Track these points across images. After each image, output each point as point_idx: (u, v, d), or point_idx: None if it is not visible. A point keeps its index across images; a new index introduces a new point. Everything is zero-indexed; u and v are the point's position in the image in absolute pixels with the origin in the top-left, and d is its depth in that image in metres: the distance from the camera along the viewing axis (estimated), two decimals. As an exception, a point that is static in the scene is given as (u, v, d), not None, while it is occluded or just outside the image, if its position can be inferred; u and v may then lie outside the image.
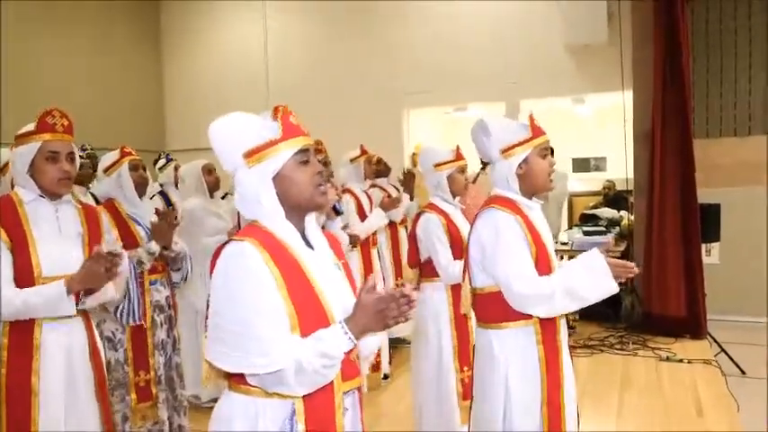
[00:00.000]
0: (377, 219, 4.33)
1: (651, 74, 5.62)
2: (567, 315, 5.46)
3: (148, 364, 2.99)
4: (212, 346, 1.47)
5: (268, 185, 1.53)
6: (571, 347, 5.18)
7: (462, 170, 3.04)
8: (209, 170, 4.03)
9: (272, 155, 1.52)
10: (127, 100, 8.83)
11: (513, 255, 2.08)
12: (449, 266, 2.84)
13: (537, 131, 2.19)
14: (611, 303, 6.21)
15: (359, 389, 1.64)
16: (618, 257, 5.92)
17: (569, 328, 5.53)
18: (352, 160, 4.51)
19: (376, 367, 4.35)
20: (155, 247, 2.89)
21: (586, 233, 5.91)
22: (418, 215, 3.05)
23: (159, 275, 3.05)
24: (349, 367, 1.55)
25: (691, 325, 5.45)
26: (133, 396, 2.94)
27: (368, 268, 4.34)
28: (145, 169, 3.05)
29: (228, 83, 8.88)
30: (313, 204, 1.56)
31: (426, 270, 3.02)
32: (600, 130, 8.58)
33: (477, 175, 6.44)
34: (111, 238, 2.81)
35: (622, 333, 5.60)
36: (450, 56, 7.67)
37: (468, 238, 2.23)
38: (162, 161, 5.08)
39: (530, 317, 2.11)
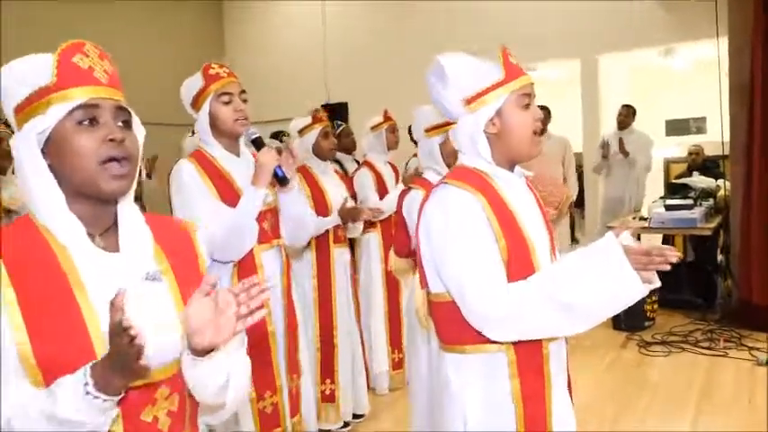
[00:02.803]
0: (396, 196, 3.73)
1: (751, 11, 4.56)
2: (643, 305, 4.72)
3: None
4: None
5: (34, 156, 1.03)
6: (645, 344, 4.51)
7: (460, 135, 2.40)
8: None
9: (41, 111, 1.02)
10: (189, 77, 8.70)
11: (468, 253, 1.44)
12: None
13: (513, 71, 1.53)
14: (704, 289, 5.28)
15: None
16: (708, 237, 5.06)
17: (647, 319, 4.81)
18: (372, 128, 3.93)
19: (399, 364, 3.80)
20: None
21: (669, 207, 4.97)
22: (404, 192, 2.46)
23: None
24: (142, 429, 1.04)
25: (801, 319, 4.44)
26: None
27: (389, 250, 3.76)
28: None
29: (288, 58, 8.57)
30: (97, 190, 1.04)
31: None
32: (698, 85, 7.40)
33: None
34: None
35: (713, 327, 4.66)
36: (515, 7, 6.83)
37: (417, 226, 1.61)
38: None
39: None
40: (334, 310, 3.22)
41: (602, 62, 6.72)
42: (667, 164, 8.01)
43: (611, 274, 1.32)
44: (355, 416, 3.42)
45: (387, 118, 3.92)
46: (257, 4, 8.96)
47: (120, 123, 1.07)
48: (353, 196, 3.77)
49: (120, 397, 0.95)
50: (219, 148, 2.07)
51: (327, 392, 3.14)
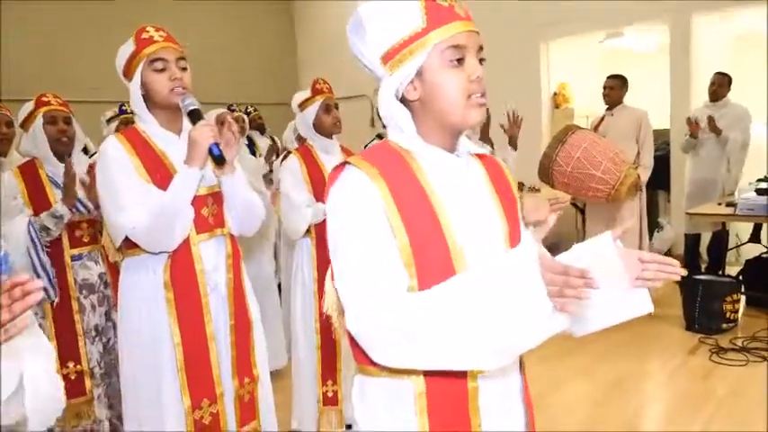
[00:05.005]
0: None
1: None
2: (722, 303, 4.11)
3: (79, 354, 2.54)
4: None
5: None
6: (720, 349, 3.91)
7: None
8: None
9: None
10: (260, 56, 8.73)
11: (353, 251, 1.13)
12: None
13: (437, 17, 1.15)
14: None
15: None
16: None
17: (725, 321, 4.17)
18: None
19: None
20: (61, 209, 2.37)
21: (760, 192, 4.28)
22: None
23: (87, 248, 2.53)
24: None
25: None
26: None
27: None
28: (68, 122, 2.53)
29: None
30: None
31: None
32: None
33: (601, 119, 5.01)
34: (17, 203, 2.40)
35: (806, 331, 4.01)
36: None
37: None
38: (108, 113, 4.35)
39: None
40: (335, 305, 2.96)
41: (696, 26, 5.94)
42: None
43: (516, 292, 0.97)
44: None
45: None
46: (326, 2, 8.73)
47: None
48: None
49: None
50: (155, 124, 1.84)
51: (330, 395, 2.88)
